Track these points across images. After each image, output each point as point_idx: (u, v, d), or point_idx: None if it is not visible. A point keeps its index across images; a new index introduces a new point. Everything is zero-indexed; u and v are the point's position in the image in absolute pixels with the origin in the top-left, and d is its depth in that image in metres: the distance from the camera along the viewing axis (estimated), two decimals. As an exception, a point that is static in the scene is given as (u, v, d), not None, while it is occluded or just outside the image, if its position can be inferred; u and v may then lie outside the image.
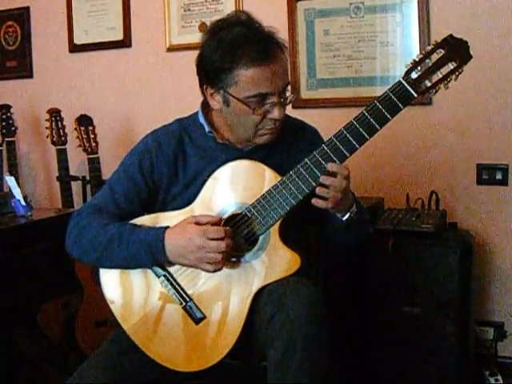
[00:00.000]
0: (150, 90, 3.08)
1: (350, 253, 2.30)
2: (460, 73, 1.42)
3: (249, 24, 1.51)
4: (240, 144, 1.61)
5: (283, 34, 1.56)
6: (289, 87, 1.54)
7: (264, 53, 1.46)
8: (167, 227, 1.51)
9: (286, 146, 1.64)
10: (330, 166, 1.46)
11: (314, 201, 1.46)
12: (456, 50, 1.41)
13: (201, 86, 1.58)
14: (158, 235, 1.49)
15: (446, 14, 2.51)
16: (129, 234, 1.51)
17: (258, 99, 1.48)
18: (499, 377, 2.39)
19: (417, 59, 1.43)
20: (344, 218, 1.55)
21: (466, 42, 1.42)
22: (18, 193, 2.41)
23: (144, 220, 1.58)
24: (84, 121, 2.88)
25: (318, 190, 1.46)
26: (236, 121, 1.54)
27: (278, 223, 1.49)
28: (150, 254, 1.49)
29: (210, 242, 1.44)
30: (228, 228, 1.49)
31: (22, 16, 3.32)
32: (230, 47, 1.47)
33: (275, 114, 1.50)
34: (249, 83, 1.47)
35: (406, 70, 1.44)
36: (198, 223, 1.48)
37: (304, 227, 1.67)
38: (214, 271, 1.48)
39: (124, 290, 1.57)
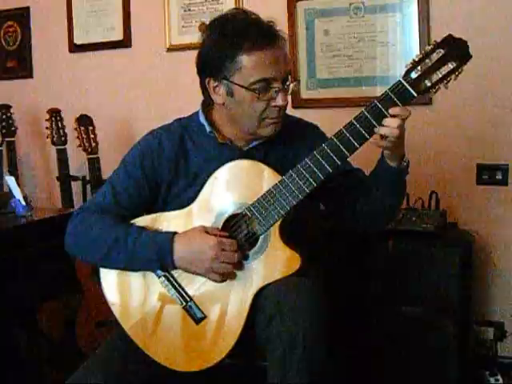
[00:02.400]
0: (150, 90, 3.08)
1: (350, 252, 2.30)
2: (460, 73, 1.42)
3: (247, 16, 1.53)
4: (242, 140, 1.61)
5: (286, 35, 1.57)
6: (290, 77, 1.54)
7: (266, 38, 1.47)
8: (175, 233, 1.51)
9: (285, 145, 1.64)
10: (393, 110, 1.42)
11: (373, 141, 1.43)
12: (456, 50, 1.41)
13: (202, 82, 1.58)
14: (167, 240, 1.49)
15: (445, 13, 2.51)
16: (135, 237, 1.51)
17: (262, 85, 1.48)
18: (499, 377, 2.38)
19: (416, 59, 1.43)
20: (398, 166, 1.51)
21: (466, 42, 1.42)
22: (18, 193, 2.41)
23: (144, 220, 1.58)
24: (84, 121, 2.88)
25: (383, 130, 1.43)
26: (240, 112, 1.54)
27: (279, 223, 1.49)
28: (157, 258, 1.49)
29: (224, 253, 1.46)
30: (238, 240, 1.50)
31: (22, 16, 3.31)
32: (231, 36, 1.48)
33: (279, 100, 1.50)
34: (252, 69, 1.47)
35: (405, 69, 1.43)
36: (207, 233, 1.49)
37: (304, 227, 1.67)
38: (221, 281, 1.49)
39: (124, 289, 1.57)
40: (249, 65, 1.48)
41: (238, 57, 1.48)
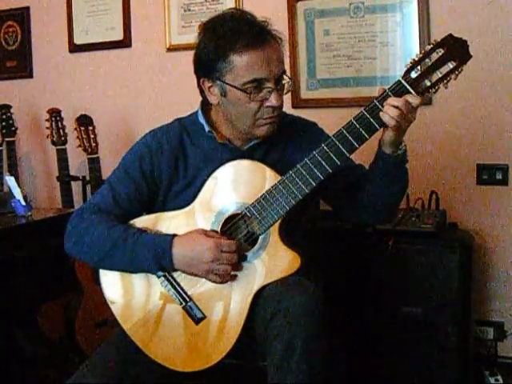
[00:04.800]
0: (150, 90, 3.08)
1: (350, 253, 2.31)
2: (460, 72, 1.42)
3: (242, 16, 1.53)
4: (240, 140, 1.61)
5: (283, 35, 1.57)
6: (285, 77, 1.53)
7: (257, 38, 1.47)
8: (175, 235, 1.51)
9: (284, 144, 1.64)
10: (408, 97, 1.41)
11: (382, 114, 1.42)
12: (455, 50, 1.41)
13: (198, 81, 1.59)
14: (166, 243, 1.49)
15: (445, 13, 2.51)
16: (134, 239, 1.51)
17: (254, 85, 1.48)
18: (499, 377, 2.38)
19: (416, 59, 1.43)
20: (395, 154, 1.50)
21: (466, 42, 1.42)
22: (18, 193, 2.40)
23: (144, 220, 1.58)
24: (84, 121, 2.88)
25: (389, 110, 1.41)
26: (234, 112, 1.54)
27: (278, 223, 1.49)
28: (156, 261, 1.49)
29: (222, 255, 1.46)
30: (237, 241, 1.50)
31: (22, 16, 3.32)
32: (223, 36, 1.48)
33: (272, 101, 1.50)
34: (244, 69, 1.47)
35: (405, 69, 1.43)
36: (206, 235, 1.49)
37: (304, 227, 1.67)
38: (221, 283, 1.49)
39: (124, 290, 1.57)
40: (240, 65, 1.47)
41: (230, 57, 1.48)
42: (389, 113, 1.41)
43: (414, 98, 1.42)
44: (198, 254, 1.46)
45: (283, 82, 1.53)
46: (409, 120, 1.44)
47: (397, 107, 1.41)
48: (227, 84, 1.50)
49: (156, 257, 1.49)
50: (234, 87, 1.49)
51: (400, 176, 1.57)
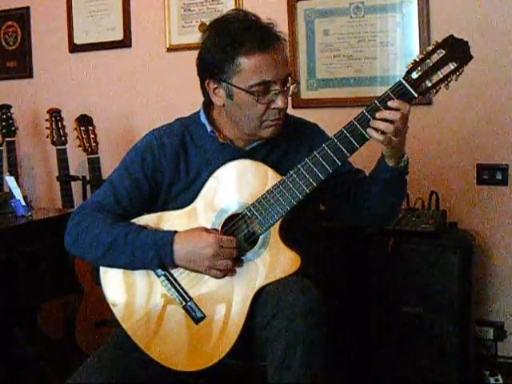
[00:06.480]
0: (150, 90, 3.08)
1: (350, 252, 2.31)
2: (460, 73, 1.42)
3: (247, 18, 1.53)
4: (242, 140, 1.61)
5: (286, 36, 1.57)
6: (290, 79, 1.54)
7: (264, 41, 1.47)
8: (175, 231, 1.51)
9: (286, 145, 1.64)
10: (391, 103, 1.42)
11: (369, 130, 1.42)
12: (456, 51, 1.41)
13: (202, 83, 1.59)
14: (167, 239, 1.49)
15: (446, 14, 2.51)
16: (135, 235, 1.51)
17: (261, 87, 1.48)
18: (499, 377, 2.39)
19: (417, 59, 1.43)
20: (397, 166, 1.51)
21: (467, 43, 1.42)
22: (18, 193, 2.41)
23: (145, 219, 1.58)
24: (84, 121, 2.88)
25: (378, 124, 1.42)
26: (240, 114, 1.54)
27: (279, 223, 1.49)
28: (157, 256, 1.49)
29: (223, 250, 1.46)
30: (236, 238, 1.51)
31: (22, 16, 3.32)
32: (230, 38, 1.48)
33: (279, 103, 1.50)
34: (251, 71, 1.47)
35: (406, 70, 1.43)
36: (207, 232, 1.50)
37: (304, 227, 1.67)
38: (222, 277, 1.49)
39: (125, 289, 1.57)
40: (248, 67, 1.47)
41: (238, 59, 1.47)
42: (378, 127, 1.41)
43: (400, 104, 1.41)
44: (198, 249, 1.47)
45: (288, 83, 1.53)
46: (399, 131, 1.42)
47: (384, 119, 1.41)
48: (234, 86, 1.50)
49: (157, 252, 1.49)
50: (241, 89, 1.49)
51: (397, 188, 1.58)
